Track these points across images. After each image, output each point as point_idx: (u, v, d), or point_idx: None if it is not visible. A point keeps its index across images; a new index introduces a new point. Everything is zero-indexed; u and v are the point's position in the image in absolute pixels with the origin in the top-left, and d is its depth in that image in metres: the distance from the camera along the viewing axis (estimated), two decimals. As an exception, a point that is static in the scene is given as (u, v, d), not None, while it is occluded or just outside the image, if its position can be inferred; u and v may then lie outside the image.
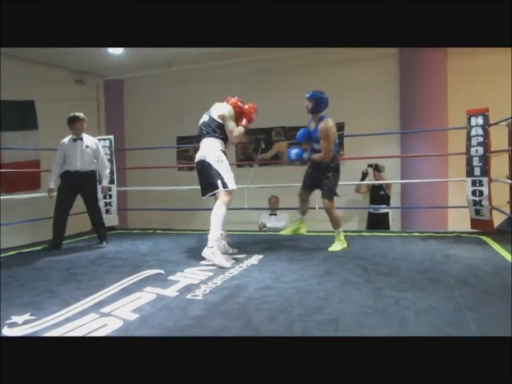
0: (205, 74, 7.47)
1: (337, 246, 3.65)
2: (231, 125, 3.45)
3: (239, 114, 3.58)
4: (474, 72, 6.27)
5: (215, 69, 7.33)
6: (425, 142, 5.99)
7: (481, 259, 3.09)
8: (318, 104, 3.66)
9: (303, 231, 3.96)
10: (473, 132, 4.14)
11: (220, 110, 3.48)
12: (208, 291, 2.47)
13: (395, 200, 6.35)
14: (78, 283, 2.75)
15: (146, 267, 3.08)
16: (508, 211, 4.09)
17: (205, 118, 3.57)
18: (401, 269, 2.90)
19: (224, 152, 3.45)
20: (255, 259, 3.31)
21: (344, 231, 4.58)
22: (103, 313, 2.13)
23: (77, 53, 6.18)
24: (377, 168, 6.20)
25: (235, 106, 3.57)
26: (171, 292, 2.48)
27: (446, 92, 6.22)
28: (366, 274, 2.77)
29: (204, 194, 3.44)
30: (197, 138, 3.64)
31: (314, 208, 4.85)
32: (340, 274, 2.78)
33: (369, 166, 6.25)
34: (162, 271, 2.96)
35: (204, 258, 3.25)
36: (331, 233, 4.38)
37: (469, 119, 4.19)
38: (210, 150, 3.37)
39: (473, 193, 4.09)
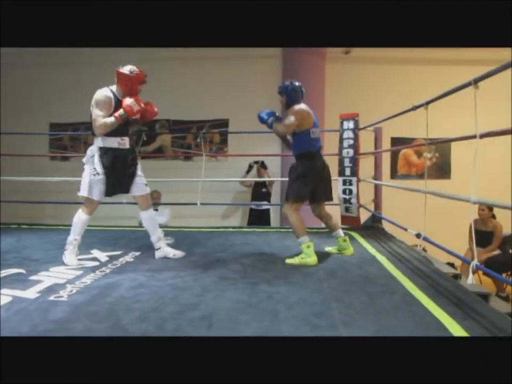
0: (85, 58, 6.95)
1: (295, 259, 3.01)
2: (94, 113, 2.91)
3: (126, 86, 2.97)
4: (349, 78, 6.80)
5: (97, 53, 6.86)
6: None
7: (348, 252, 3.33)
8: (289, 94, 3.18)
9: (348, 251, 3.29)
10: (345, 135, 4.45)
11: (93, 99, 2.94)
12: (74, 291, 2.28)
13: (275, 197, 6.60)
14: None
15: (4, 266, 2.75)
16: (372, 209, 4.48)
17: None
18: (277, 264, 2.99)
19: (113, 149, 2.96)
20: (130, 256, 3.15)
21: (225, 227, 4.65)
22: None
23: None
24: (263, 165, 6.43)
25: (117, 77, 2.99)
26: (31, 293, 2.24)
27: (323, 95, 6.62)
28: (242, 269, 2.80)
29: None
30: None
31: (196, 204, 4.82)
32: (217, 270, 2.77)
33: (256, 162, 6.47)
34: (22, 271, 2.66)
35: (73, 256, 3.03)
36: (213, 229, 4.41)
37: (342, 123, 4.49)
38: (87, 150, 3.00)
39: (344, 191, 4.40)
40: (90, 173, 2.92)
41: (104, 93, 2.95)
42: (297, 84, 3.23)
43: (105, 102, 2.92)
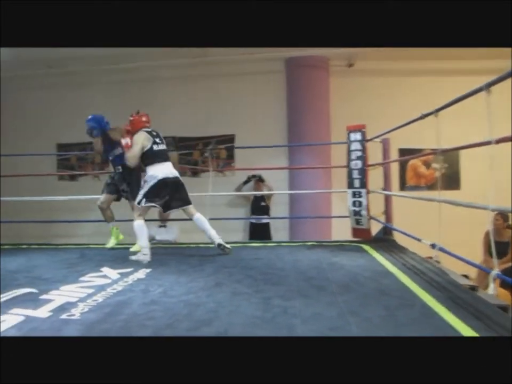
0: (87, 78, 7.05)
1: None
2: None
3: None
4: (353, 90, 6.81)
5: (99, 73, 6.95)
6: (311, 155, 6.31)
7: (361, 265, 3.28)
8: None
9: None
10: (352, 147, 4.43)
11: None
12: (86, 309, 2.25)
13: (284, 210, 6.57)
14: None
15: (15, 286, 2.73)
16: (383, 220, 4.43)
17: (162, 146, 3.90)
18: (288, 277, 2.95)
19: None
20: (141, 273, 3.12)
21: (234, 242, 4.61)
22: (-46, 343, 1.81)
23: None
24: (260, 179, 6.45)
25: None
26: (43, 312, 2.21)
27: (328, 108, 6.64)
28: (255, 284, 2.76)
29: (178, 207, 3.87)
30: (161, 158, 3.83)
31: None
32: (229, 286, 2.73)
33: (253, 176, 6.50)
34: (34, 290, 2.64)
35: (83, 275, 3.02)
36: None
37: (349, 135, 4.47)
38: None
39: (354, 203, 4.36)
40: None
41: None
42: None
43: None
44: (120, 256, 3.75)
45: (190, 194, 5.48)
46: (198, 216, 3.86)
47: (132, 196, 4.08)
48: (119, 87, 7.03)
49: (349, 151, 4.46)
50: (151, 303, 2.37)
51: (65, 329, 1.97)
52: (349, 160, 4.45)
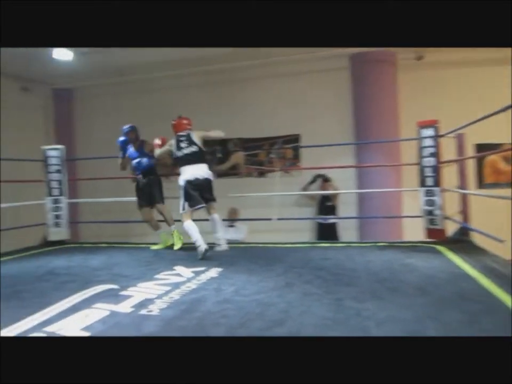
0: (158, 84, 7.36)
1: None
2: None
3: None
4: (423, 85, 6.53)
5: (169, 79, 7.23)
6: (379, 153, 6.14)
7: (436, 267, 3.14)
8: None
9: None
10: (424, 143, 4.25)
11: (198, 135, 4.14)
12: (164, 306, 2.35)
13: (353, 210, 6.45)
14: (22, 301, 2.55)
15: (98, 282, 2.91)
16: (459, 220, 4.21)
17: (188, 150, 4.06)
18: (360, 279, 2.89)
19: None
20: (214, 272, 3.21)
21: (302, 243, 4.60)
22: (48, 333, 1.97)
23: (22, 59, 5.92)
24: (326, 179, 6.37)
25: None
26: (124, 307, 2.34)
27: (396, 104, 6.42)
28: (325, 285, 2.74)
29: (207, 202, 4.06)
30: (185, 162, 4.07)
31: (270, 219, 4.86)
32: (300, 286, 2.73)
33: (319, 176, 6.42)
34: (115, 286, 2.80)
35: (158, 273, 3.15)
36: (290, 245, 4.38)
37: (420, 131, 4.30)
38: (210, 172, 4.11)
39: (427, 203, 4.19)
40: None
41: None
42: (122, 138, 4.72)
43: None
44: (192, 255, 3.87)
45: (256, 194, 5.58)
46: (216, 217, 4.14)
47: (140, 203, 4.58)
48: (186, 91, 7.26)
49: (421, 148, 4.28)
50: (224, 301, 2.43)
51: (145, 324, 2.07)
52: (421, 157, 4.27)
